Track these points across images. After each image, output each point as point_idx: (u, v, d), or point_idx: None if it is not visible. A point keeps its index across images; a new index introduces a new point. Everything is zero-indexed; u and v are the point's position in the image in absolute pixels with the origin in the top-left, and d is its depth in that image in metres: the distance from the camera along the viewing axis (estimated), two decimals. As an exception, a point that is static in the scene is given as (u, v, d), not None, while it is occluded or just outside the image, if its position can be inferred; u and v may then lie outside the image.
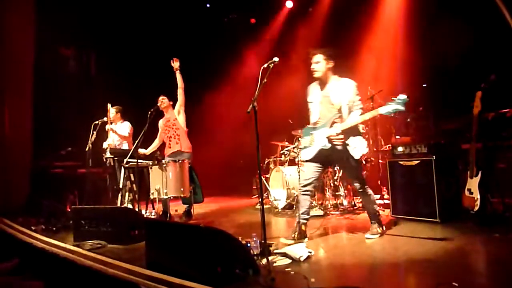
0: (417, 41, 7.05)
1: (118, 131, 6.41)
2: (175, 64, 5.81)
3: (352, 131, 3.85)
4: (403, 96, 3.50)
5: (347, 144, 3.86)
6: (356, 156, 3.86)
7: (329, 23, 8.42)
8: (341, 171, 5.94)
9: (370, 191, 4.05)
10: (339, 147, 3.89)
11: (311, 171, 4.05)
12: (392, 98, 3.54)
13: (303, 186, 4.07)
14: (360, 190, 4.02)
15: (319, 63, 3.91)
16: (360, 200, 4.20)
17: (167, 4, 8.89)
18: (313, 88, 4.11)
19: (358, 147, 3.86)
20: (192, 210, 5.68)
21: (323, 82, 4.01)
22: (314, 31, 8.60)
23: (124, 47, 8.95)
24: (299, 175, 6.06)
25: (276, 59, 3.53)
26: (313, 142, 4.01)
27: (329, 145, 3.86)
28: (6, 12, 6.73)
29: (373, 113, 3.69)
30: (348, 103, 3.85)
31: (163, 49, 9.35)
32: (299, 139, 4.24)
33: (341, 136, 3.82)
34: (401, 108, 3.50)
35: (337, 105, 3.87)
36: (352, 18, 7.95)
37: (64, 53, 9.09)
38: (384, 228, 4.11)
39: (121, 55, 8.93)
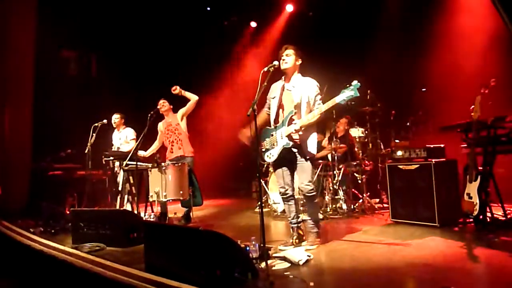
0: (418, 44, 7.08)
1: (123, 136, 6.44)
2: (176, 90, 5.74)
3: (310, 129, 3.79)
4: (355, 82, 3.41)
5: (302, 141, 3.78)
6: (309, 154, 3.78)
7: (327, 27, 8.43)
8: (340, 174, 5.95)
9: (317, 198, 3.95)
10: (293, 145, 3.80)
11: (283, 174, 3.97)
12: (346, 85, 3.44)
13: (282, 194, 4.01)
14: (309, 194, 3.82)
15: (290, 56, 3.86)
16: (306, 205, 4.00)
17: (167, 7, 8.92)
18: (276, 85, 4.06)
19: (311, 146, 3.81)
20: (191, 214, 5.67)
21: (287, 77, 3.96)
22: (313, 35, 8.61)
23: (124, 49, 8.98)
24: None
25: (276, 63, 3.53)
26: (275, 143, 3.91)
27: (290, 143, 3.78)
28: (8, 14, 6.75)
29: (329, 103, 3.55)
30: (309, 101, 3.77)
31: (164, 52, 9.43)
32: (262, 141, 4.06)
33: (300, 133, 3.74)
34: (355, 94, 3.39)
35: (296, 102, 3.79)
36: (350, 22, 7.97)
37: (65, 56, 9.11)
38: (318, 240, 3.94)
39: (122, 58, 8.95)
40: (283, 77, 4.03)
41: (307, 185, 3.80)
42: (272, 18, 9.70)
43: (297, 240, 3.97)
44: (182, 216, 5.71)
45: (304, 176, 3.82)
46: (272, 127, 3.99)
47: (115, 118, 6.47)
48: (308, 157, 3.80)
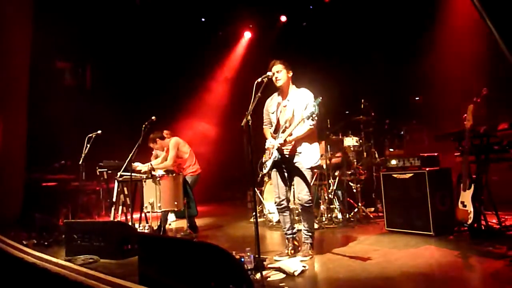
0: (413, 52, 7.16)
1: None
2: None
3: (305, 139, 3.81)
4: (318, 99, 3.54)
5: (299, 153, 3.82)
6: (305, 165, 3.80)
7: (320, 37, 8.51)
8: (335, 183, 5.95)
9: (313, 209, 3.95)
10: (289, 156, 3.84)
11: (279, 186, 3.97)
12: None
13: (277, 205, 4.01)
14: (306, 204, 3.82)
15: (280, 72, 3.88)
16: (301, 216, 3.98)
17: (162, 18, 8.97)
18: (273, 99, 4.10)
19: (308, 157, 3.82)
20: (194, 223, 5.66)
21: (283, 92, 3.99)
22: (308, 45, 8.69)
23: (119, 61, 9.00)
24: (293, 189, 6.07)
25: (270, 73, 3.55)
26: (271, 155, 3.94)
27: (279, 156, 3.81)
28: (3, 25, 6.75)
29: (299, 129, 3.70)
30: (302, 114, 3.72)
31: (158, 63, 9.46)
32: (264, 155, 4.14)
33: (289, 146, 3.80)
34: (315, 110, 3.50)
35: (288, 116, 3.82)
36: (344, 32, 8.05)
37: (60, 67, 9.11)
38: (312, 251, 3.92)
39: (116, 69, 8.97)
40: (278, 92, 4.06)
41: (305, 195, 3.81)
42: (266, 28, 9.77)
43: (292, 251, 3.95)
44: (188, 227, 5.61)
45: (301, 187, 3.83)
46: (271, 137, 4.01)
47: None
48: (306, 168, 3.81)
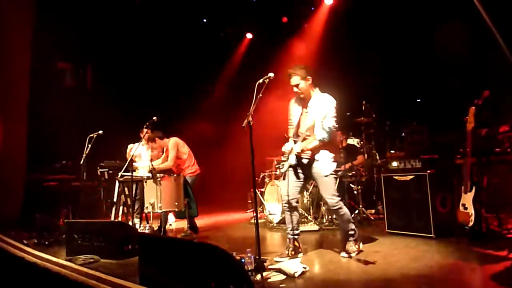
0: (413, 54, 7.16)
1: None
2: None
3: (323, 148, 3.85)
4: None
5: (317, 160, 3.87)
6: (324, 172, 3.85)
7: (324, 38, 8.51)
8: (336, 185, 5.95)
9: (345, 210, 3.94)
10: (307, 163, 3.90)
11: (291, 185, 4.00)
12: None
13: (286, 203, 4.03)
14: (334, 207, 3.87)
15: (300, 84, 3.90)
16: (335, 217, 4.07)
17: (163, 19, 8.98)
18: (295, 103, 4.13)
19: (326, 164, 3.87)
20: (194, 224, 5.67)
21: (305, 99, 4.02)
22: (309, 46, 8.70)
23: (120, 62, 9.01)
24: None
25: (271, 74, 3.56)
26: (289, 156, 4.00)
27: (295, 162, 3.92)
28: (3, 26, 6.76)
29: (312, 144, 3.80)
30: (322, 121, 3.81)
31: (159, 64, 9.47)
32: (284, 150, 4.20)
33: (308, 153, 3.86)
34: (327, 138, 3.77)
35: (310, 124, 3.86)
36: (347, 33, 8.05)
37: (60, 67, 9.12)
38: (361, 246, 4.02)
39: (117, 70, 8.98)
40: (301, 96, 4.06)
41: (331, 198, 3.87)
42: (267, 29, 9.77)
43: (292, 252, 3.96)
44: (188, 228, 5.62)
45: (326, 191, 3.90)
46: (292, 139, 4.10)
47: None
48: (324, 175, 3.86)
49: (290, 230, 4.04)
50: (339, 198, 3.91)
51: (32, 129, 7.18)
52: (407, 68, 7.23)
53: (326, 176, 3.86)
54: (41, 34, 7.19)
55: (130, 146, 6.45)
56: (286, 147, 4.03)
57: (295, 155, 3.88)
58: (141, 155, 6.31)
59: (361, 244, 4.05)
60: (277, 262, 3.72)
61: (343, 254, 3.90)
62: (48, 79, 8.02)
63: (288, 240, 4.06)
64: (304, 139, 3.88)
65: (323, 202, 6.02)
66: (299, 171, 4.00)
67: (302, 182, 4.04)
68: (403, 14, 7.35)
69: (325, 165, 3.86)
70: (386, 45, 7.57)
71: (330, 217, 5.84)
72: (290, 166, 3.98)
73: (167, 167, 5.73)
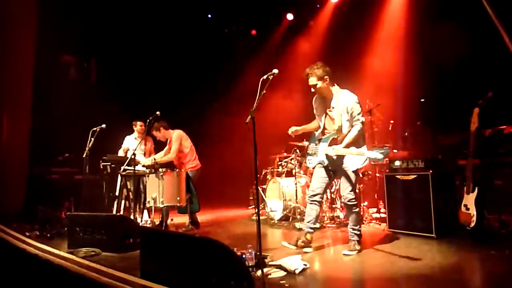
0: (417, 55, 7.11)
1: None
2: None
3: (352, 144, 3.87)
4: (386, 149, 3.65)
5: (349, 156, 3.93)
6: (351, 168, 3.92)
7: (329, 36, 8.49)
8: (338, 184, 5.94)
9: (358, 209, 4.07)
10: (337, 157, 3.97)
11: (317, 181, 4.11)
12: (378, 147, 3.86)
13: (310, 196, 4.13)
14: (350, 203, 3.96)
15: (317, 84, 3.99)
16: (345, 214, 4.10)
17: (168, 14, 8.97)
18: (317, 102, 4.22)
19: (355, 160, 3.90)
20: (195, 219, 5.68)
21: (326, 98, 4.10)
22: (314, 43, 8.68)
23: (124, 56, 9.00)
24: (296, 187, 6.07)
25: (275, 71, 3.56)
26: (316, 152, 4.11)
27: (326, 162, 4.01)
28: (8, 19, 6.77)
29: (360, 153, 3.75)
30: (349, 119, 3.92)
31: (163, 59, 9.46)
32: (307, 144, 4.32)
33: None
34: (381, 160, 3.69)
35: (338, 125, 3.97)
36: (351, 33, 8.02)
37: (65, 61, 9.14)
38: (360, 247, 4.02)
39: (121, 64, 8.98)
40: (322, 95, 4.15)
41: (349, 194, 3.94)
42: (272, 26, 9.75)
43: (302, 244, 4.01)
44: (189, 223, 5.63)
45: (346, 186, 3.96)
46: (317, 135, 4.21)
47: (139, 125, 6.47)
48: (352, 170, 3.94)
49: (307, 223, 4.10)
50: (355, 196, 4.00)
51: (36, 122, 7.21)
52: (411, 67, 7.19)
53: (353, 171, 3.94)
54: (45, 28, 7.21)
55: (127, 137, 6.49)
56: (313, 149, 4.15)
57: (326, 155, 3.96)
58: (129, 148, 6.33)
59: (361, 245, 4.04)
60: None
61: (345, 252, 3.92)
62: (52, 72, 8.03)
63: (303, 230, 4.12)
64: (333, 139, 3.97)
65: (324, 200, 6.03)
66: (330, 167, 4.08)
67: (328, 180, 4.12)
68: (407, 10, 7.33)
69: (354, 161, 3.91)
70: (389, 42, 7.54)
71: (331, 215, 5.84)
72: (319, 163, 4.06)
73: (169, 159, 5.76)
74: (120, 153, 6.34)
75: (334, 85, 4.07)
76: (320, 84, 3.97)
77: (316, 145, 4.16)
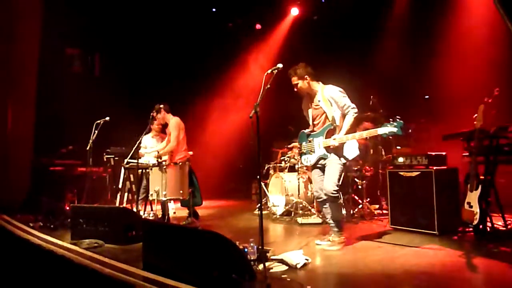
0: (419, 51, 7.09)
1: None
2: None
3: (350, 132, 3.92)
4: (399, 120, 3.64)
5: (342, 146, 4.00)
6: (349, 157, 4.00)
7: (331, 32, 8.44)
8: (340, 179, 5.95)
9: (341, 200, 4.07)
10: (331, 150, 4.00)
11: (317, 180, 4.16)
12: (390, 120, 3.67)
13: (317, 198, 4.21)
14: (332, 195, 3.91)
15: (298, 84, 4.11)
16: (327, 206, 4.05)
17: (172, 7, 8.94)
18: (305, 100, 4.33)
19: (351, 149, 4.00)
20: (191, 212, 5.68)
21: (310, 95, 4.20)
22: (317, 39, 8.63)
23: (128, 49, 9.00)
24: (298, 182, 6.08)
25: (280, 65, 3.54)
26: (313, 149, 4.13)
27: (328, 155, 4.00)
28: (14, 11, 6.78)
29: (371, 132, 3.80)
30: (340, 110, 3.99)
31: (167, 52, 9.45)
32: (298, 143, 4.36)
33: (339, 140, 3.93)
34: (398, 132, 3.62)
35: (329, 114, 4.00)
36: (355, 28, 7.99)
37: (69, 53, 9.15)
38: (343, 238, 4.04)
39: (125, 57, 8.98)
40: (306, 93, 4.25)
41: (333, 186, 3.93)
42: (277, 20, 9.71)
43: (335, 239, 4.04)
44: (189, 215, 5.64)
45: (332, 177, 3.95)
46: (307, 131, 4.26)
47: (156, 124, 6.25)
48: (342, 161, 3.98)
49: (328, 220, 4.15)
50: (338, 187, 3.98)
51: (40, 114, 7.23)
52: (417, 63, 7.16)
53: (339, 163, 3.96)
54: (50, 20, 7.21)
55: (144, 137, 6.38)
56: (305, 145, 4.21)
57: (324, 147, 3.98)
58: (146, 146, 6.29)
59: (343, 237, 4.06)
60: (318, 245, 4.03)
61: (320, 242, 4.03)
62: (56, 65, 8.05)
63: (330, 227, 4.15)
64: (330, 131, 3.98)
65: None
66: (320, 162, 4.11)
67: (323, 173, 4.12)
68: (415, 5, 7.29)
69: (346, 151, 3.98)
70: (395, 39, 7.50)
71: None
72: (321, 158, 4.06)
73: (171, 148, 5.68)
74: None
75: (319, 83, 4.16)
76: (301, 83, 4.10)
77: (309, 142, 4.17)
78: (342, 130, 3.93)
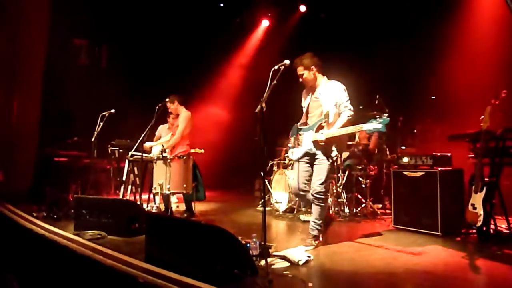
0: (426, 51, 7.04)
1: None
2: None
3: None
4: (385, 117, 3.56)
5: (330, 144, 3.91)
6: (330, 158, 3.91)
7: (337, 30, 8.41)
8: (345, 177, 5.94)
9: (325, 204, 3.95)
10: (320, 148, 3.92)
11: (302, 175, 4.03)
12: (376, 117, 3.60)
13: (298, 192, 4.09)
14: (317, 195, 3.84)
15: (303, 74, 4.01)
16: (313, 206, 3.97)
17: (180, 1, 8.95)
18: (305, 92, 4.25)
19: (340, 146, 3.99)
20: (193, 208, 5.69)
21: (314, 87, 4.11)
22: (324, 37, 8.59)
23: (135, 41, 9.01)
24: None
25: (287, 61, 3.53)
26: (301, 143, 4.05)
27: (314, 150, 3.92)
28: (22, 3, 6.79)
29: (357, 127, 3.72)
30: (336, 106, 3.92)
31: (174, 45, 9.45)
32: (290, 136, 4.28)
33: (329, 137, 3.85)
34: (382, 129, 3.52)
35: (326, 110, 3.92)
36: (361, 26, 7.95)
37: (76, 44, 9.17)
38: (319, 241, 3.95)
39: (132, 49, 8.99)
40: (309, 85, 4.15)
41: (318, 186, 3.86)
42: (284, 17, 9.68)
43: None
44: (184, 211, 5.70)
45: (320, 176, 3.88)
46: (299, 125, 4.17)
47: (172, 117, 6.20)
48: (329, 159, 3.90)
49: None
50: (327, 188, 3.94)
51: (46, 105, 7.26)
52: (423, 63, 7.12)
53: (328, 164, 3.87)
54: (58, 11, 7.22)
55: (161, 126, 6.37)
56: (294, 139, 4.12)
57: (313, 142, 3.90)
58: (161, 136, 6.28)
59: (320, 240, 3.97)
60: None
61: (301, 246, 3.81)
62: (63, 56, 8.07)
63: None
64: (320, 127, 3.90)
65: (330, 193, 6.01)
66: (306, 158, 4.03)
67: (308, 171, 4.04)
68: (421, 6, 7.23)
69: (334, 149, 3.90)
70: (400, 38, 7.46)
71: (336, 209, 5.82)
72: (307, 151, 3.97)
73: (175, 141, 5.67)
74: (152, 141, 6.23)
75: (324, 76, 4.08)
76: (306, 74, 4.00)
77: (300, 135, 4.09)
78: (333, 127, 3.84)
